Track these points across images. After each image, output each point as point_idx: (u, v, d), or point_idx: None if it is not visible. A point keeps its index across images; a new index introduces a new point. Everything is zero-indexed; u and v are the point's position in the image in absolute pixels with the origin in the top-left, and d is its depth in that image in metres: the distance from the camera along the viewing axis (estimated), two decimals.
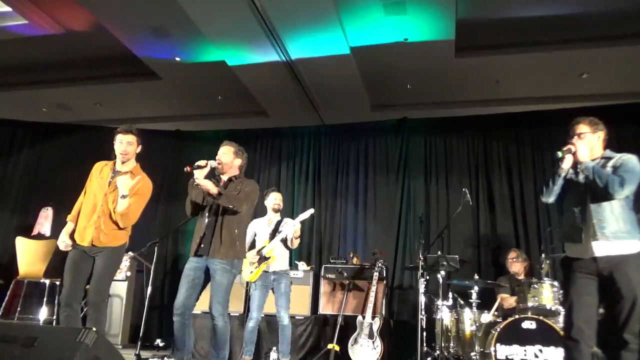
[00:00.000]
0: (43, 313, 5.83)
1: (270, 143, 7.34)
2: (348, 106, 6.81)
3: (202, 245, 3.41)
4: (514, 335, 3.96)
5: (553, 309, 4.01)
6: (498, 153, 6.29)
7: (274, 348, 4.69)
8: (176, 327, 3.35)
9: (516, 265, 4.92)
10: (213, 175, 3.62)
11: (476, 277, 4.56)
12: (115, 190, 3.42)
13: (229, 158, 3.63)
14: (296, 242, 4.58)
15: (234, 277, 3.43)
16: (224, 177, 3.64)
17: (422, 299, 4.62)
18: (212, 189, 3.35)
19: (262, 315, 4.61)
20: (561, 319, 3.99)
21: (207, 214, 3.48)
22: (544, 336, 3.89)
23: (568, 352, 2.64)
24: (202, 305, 5.59)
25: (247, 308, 5.24)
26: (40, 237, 6.51)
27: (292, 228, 4.48)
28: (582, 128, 2.82)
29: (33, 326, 3.84)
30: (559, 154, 2.76)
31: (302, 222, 4.64)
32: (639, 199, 2.77)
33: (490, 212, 6.09)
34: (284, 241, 4.58)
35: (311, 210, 4.74)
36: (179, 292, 3.39)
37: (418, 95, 6.65)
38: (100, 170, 3.62)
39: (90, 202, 3.46)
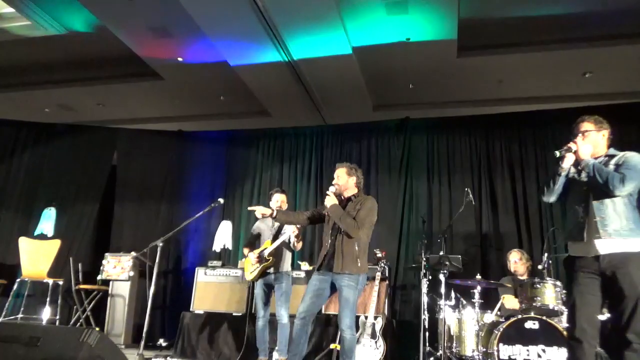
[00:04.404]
0: (46, 313, 5.85)
1: (272, 143, 7.33)
2: (350, 106, 6.81)
3: (325, 262, 3.59)
4: (516, 335, 3.94)
5: (556, 308, 3.99)
6: (501, 153, 6.27)
7: (276, 348, 4.69)
8: (296, 329, 3.52)
9: (520, 266, 4.89)
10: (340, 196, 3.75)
11: (479, 276, 4.55)
12: None
13: (343, 180, 3.74)
14: (299, 245, 4.59)
15: (360, 292, 3.58)
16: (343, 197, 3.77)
17: (425, 299, 4.61)
18: (336, 217, 3.57)
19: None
20: (564, 318, 3.98)
21: (330, 232, 3.65)
22: (547, 336, 3.88)
23: (571, 351, 2.63)
24: (205, 305, 5.62)
25: (250, 308, 5.26)
26: (43, 237, 6.53)
27: (291, 231, 4.49)
28: (587, 126, 2.81)
29: (36, 326, 3.85)
30: (557, 153, 2.75)
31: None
32: None
33: (492, 212, 6.07)
34: (286, 243, 4.59)
35: None
36: (303, 299, 3.58)
37: (420, 95, 6.65)
38: None
39: None
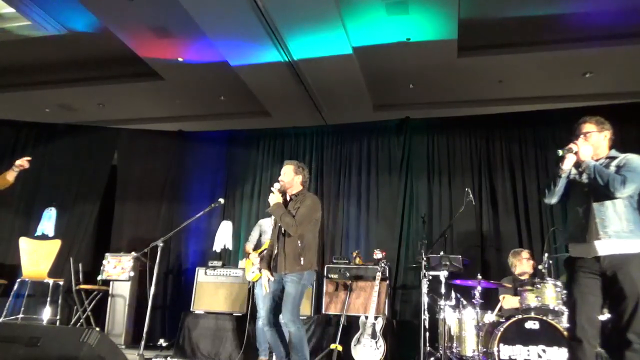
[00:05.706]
0: (46, 313, 5.85)
1: (272, 143, 7.33)
2: (350, 106, 6.81)
3: (273, 263, 3.68)
4: (517, 335, 3.94)
5: (556, 309, 3.99)
6: (501, 153, 6.27)
7: None
8: (267, 336, 3.64)
9: (528, 265, 4.87)
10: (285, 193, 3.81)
11: (479, 277, 4.55)
12: None
13: (289, 177, 3.81)
14: None
15: (304, 288, 3.61)
16: (287, 195, 3.83)
17: (425, 299, 4.61)
18: (277, 216, 3.66)
19: None
20: (564, 319, 3.98)
21: (276, 233, 3.73)
22: (547, 336, 3.88)
23: (572, 352, 2.63)
24: (205, 305, 5.62)
25: (250, 308, 5.25)
26: (43, 237, 6.53)
27: None
28: (589, 127, 2.81)
29: (37, 326, 3.85)
30: (560, 152, 2.75)
31: None
32: None
33: (493, 212, 6.07)
34: None
35: None
36: (264, 304, 3.71)
37: (421, 95, 6.65)
38: None
39: None
